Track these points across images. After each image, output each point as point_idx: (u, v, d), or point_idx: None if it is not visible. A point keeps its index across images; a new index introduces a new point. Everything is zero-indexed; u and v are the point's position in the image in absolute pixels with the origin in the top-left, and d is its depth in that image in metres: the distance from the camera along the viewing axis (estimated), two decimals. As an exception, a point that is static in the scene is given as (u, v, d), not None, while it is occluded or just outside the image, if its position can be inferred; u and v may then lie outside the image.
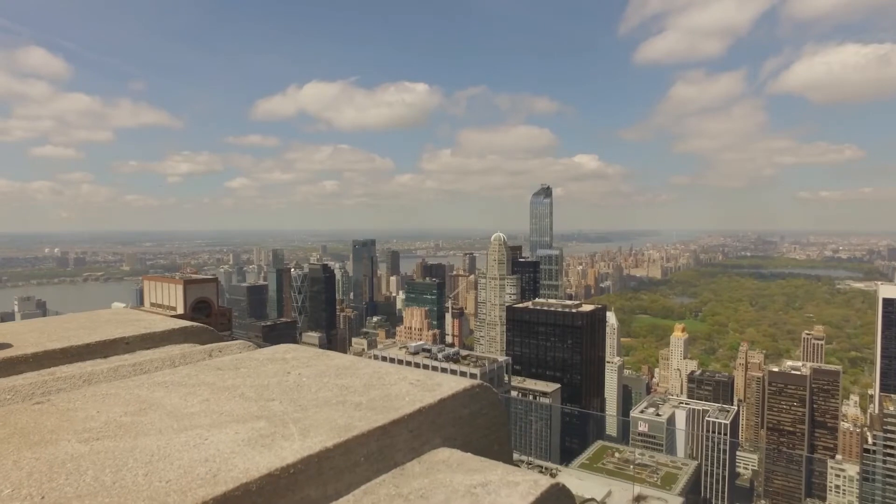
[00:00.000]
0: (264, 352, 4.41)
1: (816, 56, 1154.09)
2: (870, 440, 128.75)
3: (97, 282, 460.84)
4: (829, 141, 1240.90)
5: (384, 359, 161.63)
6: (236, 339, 5.15)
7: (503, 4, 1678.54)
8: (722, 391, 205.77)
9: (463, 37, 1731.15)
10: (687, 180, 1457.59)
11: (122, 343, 4.73)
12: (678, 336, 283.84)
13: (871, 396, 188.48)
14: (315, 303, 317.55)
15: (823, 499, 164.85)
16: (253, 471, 2.30)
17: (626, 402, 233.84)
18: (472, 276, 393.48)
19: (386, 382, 3.57)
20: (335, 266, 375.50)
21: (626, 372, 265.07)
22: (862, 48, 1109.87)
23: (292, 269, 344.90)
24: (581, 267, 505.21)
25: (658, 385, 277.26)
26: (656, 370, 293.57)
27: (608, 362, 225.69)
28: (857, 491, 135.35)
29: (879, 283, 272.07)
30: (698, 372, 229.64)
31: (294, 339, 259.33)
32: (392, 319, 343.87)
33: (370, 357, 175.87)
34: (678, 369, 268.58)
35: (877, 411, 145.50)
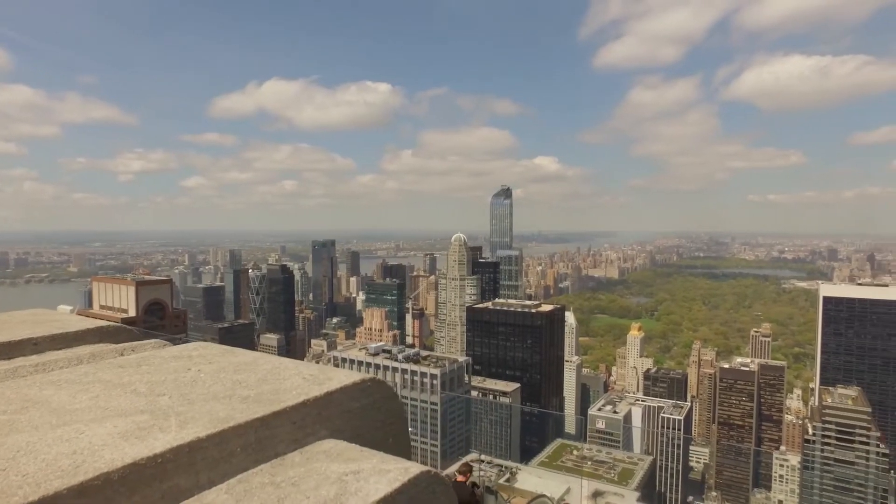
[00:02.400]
0: (172, 350, 4.48)
1: (765, 65, 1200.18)
2: (810, 431, 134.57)
3: (41, 283, 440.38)
4: (776, 147, 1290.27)
5: (344, 360, 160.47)
6: (153, 339, 5.18)
7: (466, 5, 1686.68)
8: (676, 388, 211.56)
9: (426, 37, 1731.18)
10: (644, 183, 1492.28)
11: (30, 344, 4.68)
12: (635, 335, 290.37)
13: (812, 390, 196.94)
14: (273, 304, 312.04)
15: (769, 488, 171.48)
16: (118, 461, 2.33)
17: (584, 401, 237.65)
18: (432, 277, 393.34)
19: (281, 377, 3.64)
20: (294, 267, 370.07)
21: (585, 371, 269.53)
22: (806, 59, 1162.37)
23: (250, 270, 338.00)
24: (540, 267, 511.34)
25: (615, 383, 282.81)
26: (614, 369, 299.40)
27: (567, 361, 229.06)
28: (799, 479, 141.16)
29: (820, 282, 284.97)
30: (654, 370, 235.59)
31: (252, 341, 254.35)
32: (352, 320, 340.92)
33: (330, 359, 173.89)
34: (635, 367, 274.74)
35: (817, 404, 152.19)
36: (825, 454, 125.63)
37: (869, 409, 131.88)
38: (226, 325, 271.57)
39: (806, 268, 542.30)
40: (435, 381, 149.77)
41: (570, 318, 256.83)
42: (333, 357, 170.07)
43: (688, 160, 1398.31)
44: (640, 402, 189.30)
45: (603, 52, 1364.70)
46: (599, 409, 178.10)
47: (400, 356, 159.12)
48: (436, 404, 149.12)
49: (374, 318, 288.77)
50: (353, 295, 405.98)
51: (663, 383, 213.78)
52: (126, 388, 3.41)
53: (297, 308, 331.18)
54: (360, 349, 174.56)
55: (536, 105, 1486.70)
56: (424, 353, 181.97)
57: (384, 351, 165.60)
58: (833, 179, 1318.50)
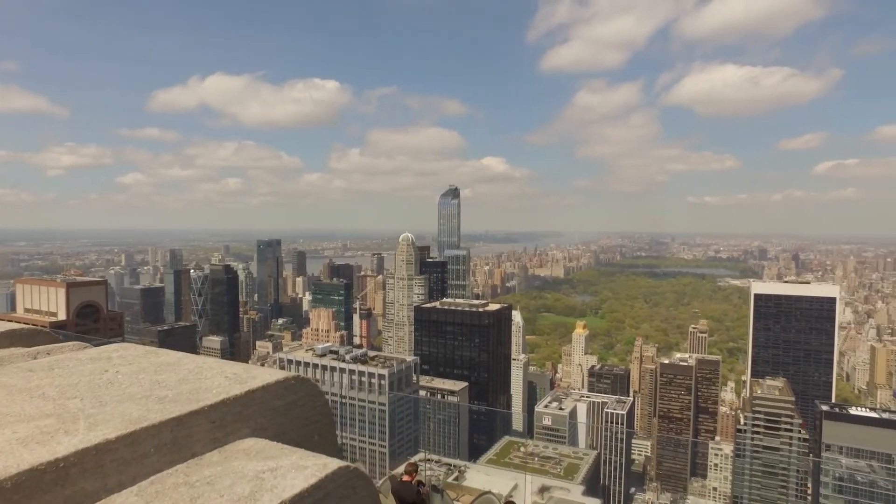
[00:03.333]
0: (91, 352, 4.28)
1: (702, 73, 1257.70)
2: (742, 421, 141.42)
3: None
4: (713, 151, 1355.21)
5: (290, 362, 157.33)
6: (73, 342, 4.90)
7: (416, 5, 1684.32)
8: (619, 384, 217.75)
9: (376, 36, 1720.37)
10: (588, 184, 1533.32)
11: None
12: (579, 333, 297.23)
13: (744, 382, 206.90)
14: (217, 305, 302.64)
15: (705, 477, 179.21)
16: (12, 468, 2.25)
17: (531, 398, 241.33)
18: (380, 277, 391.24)
19: (203, 377, 3.63)
20: (238, 267, 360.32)
21: (532, 368, 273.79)
22: (739, 69, 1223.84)
23: (192, 271, 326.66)
24: (488, 267, 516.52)
25: (561, 380, 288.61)
26: (559, 366, 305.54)
27: (514, 360, 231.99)
28: (731, 467, 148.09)
29: (752, 280, 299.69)
30: (598, 367, 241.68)
31: (194, 344, 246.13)
32: (298, 321, 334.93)
33: (275, 361, 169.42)
34: (580, 364, 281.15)
35: (748, 395, 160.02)
36: (755, 442, 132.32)
37: (793, 399, 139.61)
38: (166, 327, 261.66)
39: (739, 266, 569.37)
40: (383, 382, 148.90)
41: (516, 316, 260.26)
42: (279, 359, 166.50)
43: (630, 162, 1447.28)
44: (584, 399, 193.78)
45: (550, 55, 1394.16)
46: (546, 406, 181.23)
47: (347, 357, 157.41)
48: (384, 404, 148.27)
49: (320, 319, 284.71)
50: (300, 295, 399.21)
51: (607, 379, 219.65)
52: (33, 392, 3.29)
53: (241, 309, 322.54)
54: (306, 350, 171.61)
55: (485, 106, 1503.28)
56: (372, 353, 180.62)
57: (331, 352, 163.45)
58: (763, 183, 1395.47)
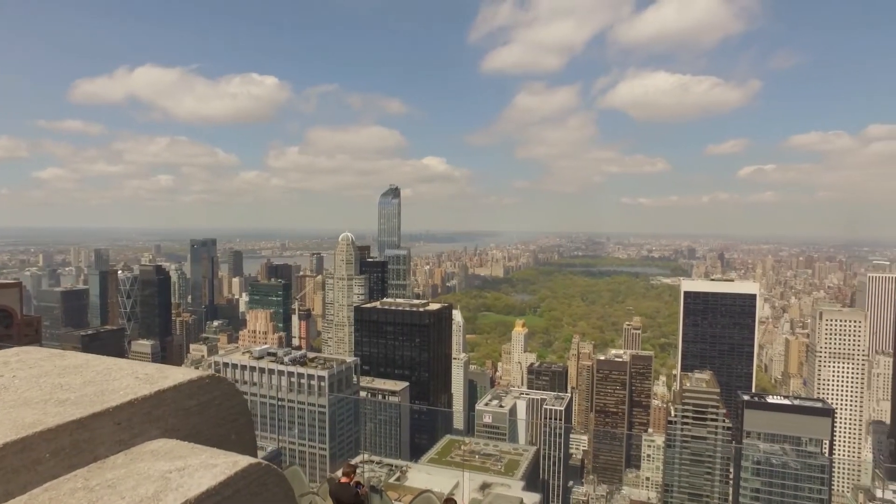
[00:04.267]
0: None
1: (637, 79, 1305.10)
2: (672, 413, 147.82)
3: None
4: (645, 154, 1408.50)
5: (226, 365, 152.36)
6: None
7: (358, 3, 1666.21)
8: (558, 380, 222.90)
9: (316, 33, 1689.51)
10: (528, 184, 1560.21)
11: None
12: (519, 331, 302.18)
13: (675, 375, 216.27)
14: (147, 308, 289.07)
15: (638, 467, 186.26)
16: None
17: (471, 396, 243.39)
18: (319, 277, 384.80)
19: (111, 378, 3.48)
20: (171, 267, 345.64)
21: (472, 367, 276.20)
22: (670, 76, 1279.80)
23: (119, 272, 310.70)
24: (428, 266, 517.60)
25: (501, 378, 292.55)
26: (499, 364, 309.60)
27: (454, 359, 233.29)
28: (663, 457, 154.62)
29: (682, 278, 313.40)
30: (537, 364, 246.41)
31: (122, 349, 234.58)
32: (235, 323, 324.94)
33: (210, 364, 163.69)
34: (519, 362, 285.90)
35: (678, 388, 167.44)
36: (684, 432, 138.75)
37: (718, 390, 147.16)
38: (90, 332, 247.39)
39: (670, 265, 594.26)
40: (323, 383, 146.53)
41: (457, 316, 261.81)
42: (215, 362, 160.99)
43: (568, 164, 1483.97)
44: (524, 396, 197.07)
45: (491, 56, 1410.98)
46: (486, 404, 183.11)
47: (286, 359, 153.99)
48: (323, 406, 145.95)
49: (258, 320, 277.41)
50: (236, 296, 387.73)
51: (546, 376, 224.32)
52: None
53: (174, 312, 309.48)
54: (243, 353, 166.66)
55: (426, 106, 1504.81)
56: (311, 354, 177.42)
57: (269, 354, 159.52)
58: (692, 186, 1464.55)
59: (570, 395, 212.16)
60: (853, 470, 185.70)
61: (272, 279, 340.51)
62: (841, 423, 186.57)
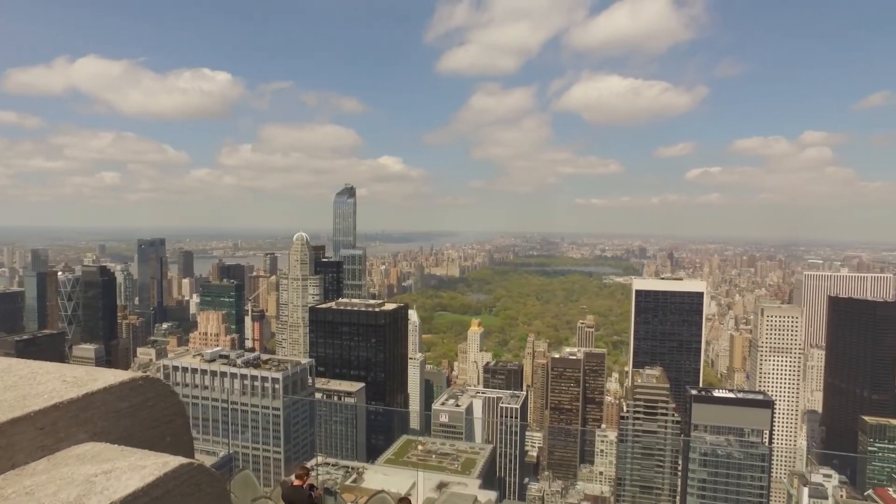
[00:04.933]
0: None
1: (591, 82, 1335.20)
2: (624, 409, 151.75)
3: None
4: (599, 156, 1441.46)
5: (176, 368, 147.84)
6: None
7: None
8: (513, 379, 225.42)
9: (270, 29, 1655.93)
10: (483, 185, 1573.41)
11: None
12: (475, 330, 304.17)
13: (627, 372, 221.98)
14: (90, 310, 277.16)
15: (592, 462, 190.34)
16: None
17: (428, 396, 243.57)
18: (273, 277, 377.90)
19: (36, 382, 3.31)
20: (116, 268, 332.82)
21: (428, 367, 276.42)
22: (622, 80, 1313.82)
23: (59, 273, 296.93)
24: (384, 266, 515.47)
25: (457, 377, 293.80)
26: (455, 363, 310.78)
27: (411, 359, 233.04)
28: (615, 451, 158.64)
29: (633, 277, 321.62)
30: (493, 363, 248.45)
31: (62, 353, 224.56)
32: (185, 325, 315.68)
33: (159, 368, 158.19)
34: (475, 361, 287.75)
35: (630, 384, 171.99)
36: (636, 427, 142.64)
37: (668, 386, 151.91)
38: (25, 336, 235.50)
39: (622, 265, 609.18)
40: (277, 386, 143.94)
41: (413, 316, 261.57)
42: (164, 366, 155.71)
43: (523, 164, 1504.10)
44: (480, 395, 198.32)
45: (447, 56, 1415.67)
46: (443, 404, 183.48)
47: (239, 361, 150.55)
48: (278, 409, 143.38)
49: (209, 322, 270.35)
50: (187, 298, 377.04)
51: (501, 375, 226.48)
52: None
53: (119, 314, 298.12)
54: (194, 355, 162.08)
55: (382, 105, 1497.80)
56: (265, 356, 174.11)
57: (221, 356, 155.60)
58: (643, 187, 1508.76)
59: (525, 393, 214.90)
60: (790, 457, 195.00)
61: (224, 280, 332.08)
62: (779, 413, 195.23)
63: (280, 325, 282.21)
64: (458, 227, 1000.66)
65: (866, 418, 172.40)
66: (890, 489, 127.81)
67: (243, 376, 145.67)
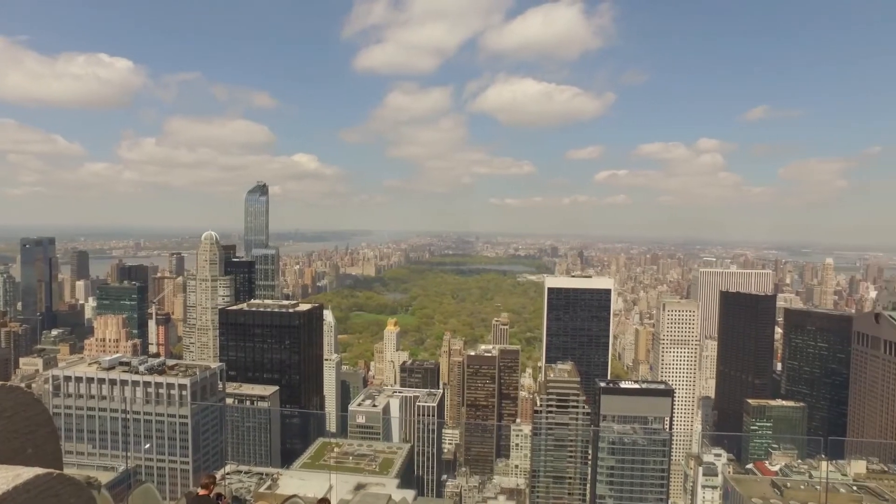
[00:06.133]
0: None
1: (506, 84, 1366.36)
2: (538, 403, 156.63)
3: None
4: (513, 157, 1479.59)
5: (69, 378, 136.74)
6: None
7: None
8: (430, 377, 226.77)
9: (177, 14, 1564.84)
10: (399, 183, 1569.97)
11: None
12: (391, 330, 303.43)
13: (540, 367, 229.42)
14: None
15: (508, 456, 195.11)
16: None
17: (344, 397, 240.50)
18: (180, 279, 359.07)
19: None
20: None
21: (345, 368, 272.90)
22: (536, 84, 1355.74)
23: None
24: (298, 266, 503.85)
25: (374, 377, 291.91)
26: (372, 363, 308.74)
27: (326, 360, 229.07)
28: (530, 445, 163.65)
29: (546, 275, 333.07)
30: (409, 362, 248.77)
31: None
32: (79, 331, 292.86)
33: (47, 379, 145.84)
34: (392, 361, 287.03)
35: (543, 379, 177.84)
36: (549, 420, 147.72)
37: (578, 379, 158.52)
38: None
39: (535, 263, 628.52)
40: (184, 392, 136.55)
41: (328, 316, 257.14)
42: (53, 376, 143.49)
43: (439, 164, 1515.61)
44: (397, 394, 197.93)
45: (364, 54, 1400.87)
46: (359, 404, 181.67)
47: (141, 368, 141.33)
48: (185, 417, 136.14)
49: (108, 327, 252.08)
50: (81, 301, 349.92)
51: (418, 374, 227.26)
52: None
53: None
54: (90, 364, 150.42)
55: (296, 101, 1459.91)
56: (171, 362, 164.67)
57: (122, 363, 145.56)
58: (554, 188, 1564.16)
59: (442, 391, 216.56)
60: (687, 440, 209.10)
61: (125, 281, 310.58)
62: (679, 401, 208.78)
63: (187, 329, 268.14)
64: (374, 226, 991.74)
65: (750, 401, 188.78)
66: (766, 462, 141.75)
67: (146, 384, 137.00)
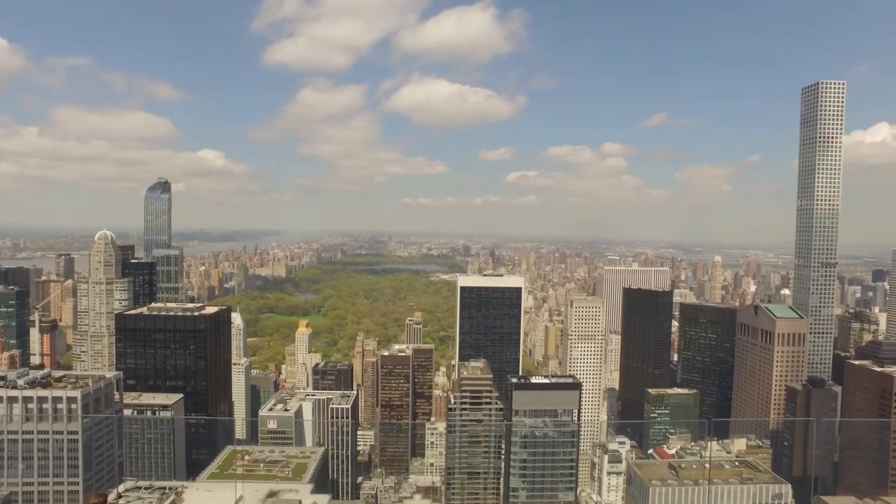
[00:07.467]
0: None
1: (419, 84, 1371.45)
2: (452, 401, 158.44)
3: None
4: (426, 156, 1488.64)
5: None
6: None
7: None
8: (343, 379, 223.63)
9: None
10: (311, 182, 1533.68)
11: None
12: (303, 331, 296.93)
13: (454, 366, 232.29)
14: None
15: (423, 455, 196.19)
16: None
17: (254, 402, 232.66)
18: (69, 282, 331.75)
19: None
20: None
21: (254, 372, 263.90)
22: (450, 85, 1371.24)
23: None
24: (204, 267, 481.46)
25: (286, 381, 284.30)
26: (283, 366, 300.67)
27: (235, 364, 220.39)
28: (445, 442, 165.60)
29: (458, 274, 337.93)
30: (322, 364, 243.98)
31: None
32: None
33: None
34: (304, 363, 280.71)
35: (457, 377, 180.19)
36: (462, 417, 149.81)
37: (491, 376, 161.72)
38: None
39: (448, 262, 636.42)
40: (74, 405, 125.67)
41: (237, 318, 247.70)
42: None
43: (352, 163, 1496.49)
44: (310, 397, 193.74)
45: (274, 48, 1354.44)
46: (270, 409, 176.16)
47: (20, 381, 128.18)
48: (75, 433, 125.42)
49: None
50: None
51: (331, 376, 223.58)
52: None
53: None
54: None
55: (202, 94, 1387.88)
56: (59, 373, 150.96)
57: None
58: (467, 188, 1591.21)
59: (356, 392, 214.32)
60: (594, 431, 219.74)
61: (2, 286, 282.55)
62: (586, 393, 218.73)
63: (78, 337, 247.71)
64: (285, 226, 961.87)
65: (650, 390, 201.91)
66: (664, 446, 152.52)
67: (27, 399, 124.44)
